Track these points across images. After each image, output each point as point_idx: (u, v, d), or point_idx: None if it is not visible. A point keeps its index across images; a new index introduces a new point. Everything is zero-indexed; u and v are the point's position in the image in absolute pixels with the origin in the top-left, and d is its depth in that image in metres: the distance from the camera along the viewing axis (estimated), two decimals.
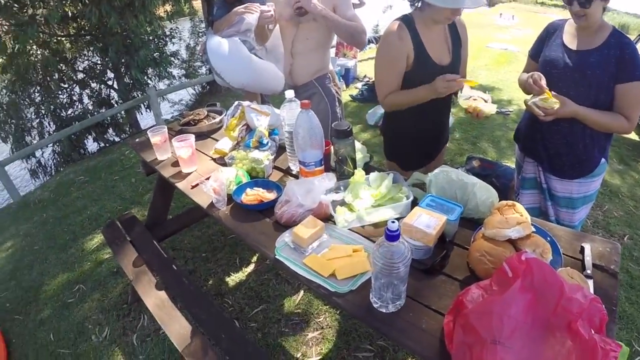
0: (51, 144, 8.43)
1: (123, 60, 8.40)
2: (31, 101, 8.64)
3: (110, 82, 9.47)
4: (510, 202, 1.50)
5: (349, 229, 1.65)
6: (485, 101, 2.08)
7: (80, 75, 9.32)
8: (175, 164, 2.37)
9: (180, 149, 2.20)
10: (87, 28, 8.55)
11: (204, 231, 3.69)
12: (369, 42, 10.70)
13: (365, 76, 7.93)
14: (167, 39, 9.53)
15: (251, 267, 3.23)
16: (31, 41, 7.45)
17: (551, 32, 2.18)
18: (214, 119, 2.89)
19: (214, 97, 8.96)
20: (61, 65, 8.68)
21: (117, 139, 9.20)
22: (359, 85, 7.40)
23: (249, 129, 2.40)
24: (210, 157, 2.42)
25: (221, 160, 2.32)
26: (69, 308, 3.16)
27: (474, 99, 2.07)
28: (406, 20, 2.08)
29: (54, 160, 8.84)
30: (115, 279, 3.32)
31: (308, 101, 1.77)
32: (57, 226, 4.49)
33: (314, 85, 2.79)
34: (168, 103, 10.78)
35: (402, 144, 2.46)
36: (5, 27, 7.53)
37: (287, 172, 2.17)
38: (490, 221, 1.43)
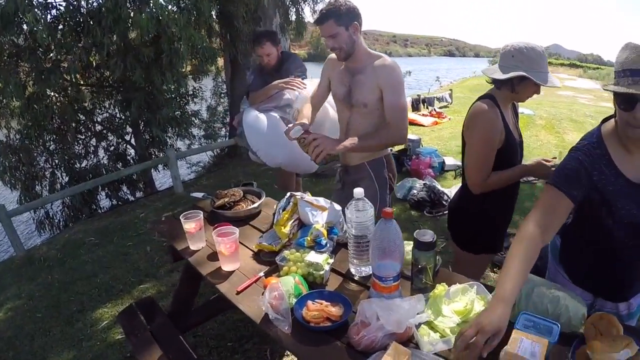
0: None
1: (143, 117, 8.30)
2: (45, 149, 8.46)
3: (127, 137, 9.38)
4: (604, 315, 1.40)
5: (434, 354, 1.40)
6: None
7: (98, 127, 9.22)
8: (212, 256, 2.13)
9: (221, 244, 1.97)
10: (109, 80, 8.51)
11: (229, 316, 3.35)
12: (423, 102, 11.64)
13: None
14: (189, 98, 9.48)
15: None
16: (49, 88, 7.33)
17: (590, 156, 1.52)
18: (252, 202, 2.67)
19: (234, 162, 8.83)
20: (80, 115, 8.58)
21: (131, 198, 8.98)
22: None
23: (301, 224, 2.19)
24: (252, 250, 2.17)
25: (268, 257, 2.07)
26: None
27: None
28: (492, 99, 2.06)
29: (63, 214, 8.59)
30: None
31: (391, 210, 1.57)
32: (62, 292, 4.21)
33: (365, 169, 2.61)
34: (186, 164, 10.65)
35: (496, 228, 2.35)
36: (27, 69, 7.48)
37: (348, 277, 1.89)
38: (596, 346, 1.26)
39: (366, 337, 1.41)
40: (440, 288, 1.56)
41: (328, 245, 2.02)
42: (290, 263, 1.89)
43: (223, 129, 11.22)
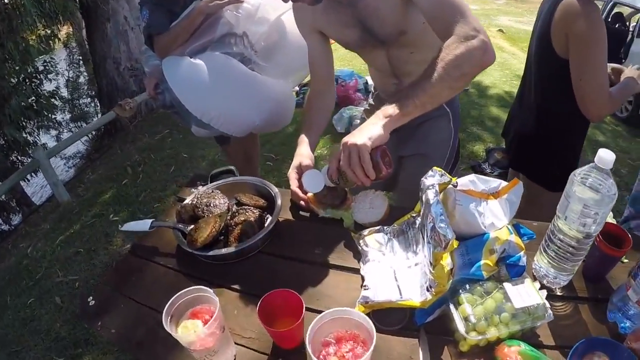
0: None
1: None
2: None
3: None
4: None
5: None
6: None
7: None
8: None
9: None
10: None
11: None
12: None
13: None
14: (42, 76, 7.47)
15: None
16: None
17: None
18: (261, 206, 1.47)
19: (118, 140, 7.06)
20: None
21: (5, 227, 6.91)
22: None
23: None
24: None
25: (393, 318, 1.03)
26: None
27: None
28: None
29: None
30: None
31: None
32: None
33: (442, 107, 1.74)
34: (60, 160, 8.50)
35: (574, 159, 2.03)
36: None
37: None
38: None
39: None
40: None
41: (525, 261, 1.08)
42: (483, 324, 0.92)
43: (92, 103, 9.38)
